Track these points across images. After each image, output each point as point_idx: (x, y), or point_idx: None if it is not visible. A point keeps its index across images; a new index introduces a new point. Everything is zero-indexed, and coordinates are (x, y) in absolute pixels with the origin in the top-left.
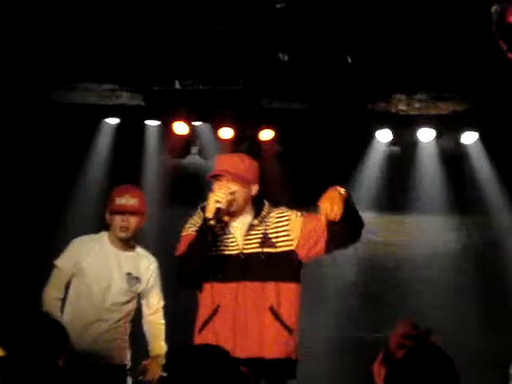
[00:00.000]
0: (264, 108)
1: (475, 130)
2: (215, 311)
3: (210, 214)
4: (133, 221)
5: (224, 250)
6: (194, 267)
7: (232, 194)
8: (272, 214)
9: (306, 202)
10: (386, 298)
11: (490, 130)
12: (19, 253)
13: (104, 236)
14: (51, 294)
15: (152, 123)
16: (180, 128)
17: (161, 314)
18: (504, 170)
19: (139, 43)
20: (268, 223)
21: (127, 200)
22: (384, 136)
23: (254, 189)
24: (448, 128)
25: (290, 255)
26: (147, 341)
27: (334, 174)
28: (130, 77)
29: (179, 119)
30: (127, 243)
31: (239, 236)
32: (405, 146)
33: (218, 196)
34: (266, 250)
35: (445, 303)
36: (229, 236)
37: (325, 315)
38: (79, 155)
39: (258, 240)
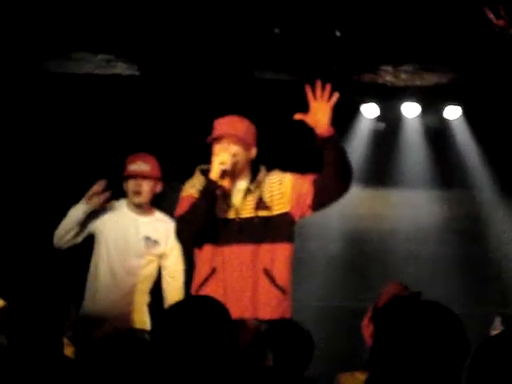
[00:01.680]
0: (256, 79)
1: (459, 103)
2: (211, 274)
3: (215, 175)
4: (145, 185)
5: (222, 214)
6: (195, 229)
7: (235, 155)
8: (267, 179)
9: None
10: (370, 270)
11: (473, 103)
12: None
13: (123, 202)
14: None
15: None
16: None
17: (180, 277)
18: (487, 145)
19: (135, 12)
20: (263, 187)
21: (139, 166)
22: (370, 111)
23: (253, 152)
24: (433, 101)
25: (284, 217)
26: (164, 302)
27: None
28: (125, 47)
29: None
30: (145, 208)
31: (236, 201)
32: (390, 120)
33: (223, 157)
34: (260, 213)
35: (428, 275)
36: (226, 200)
37: (310, 286)
38: (75, 124)
39: (254, 204)
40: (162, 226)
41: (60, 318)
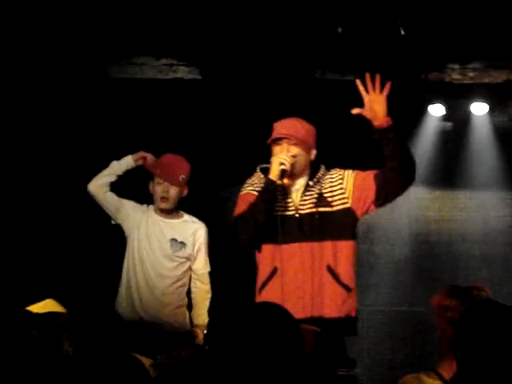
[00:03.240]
0: (317, 79)
1: None
2: (273, 272)
3: (274, 176)
4: (173, 191)
5: (281, 212)
6: (253, 229)
7: (294, 157)
8: (327, 175)
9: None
10: (439, 274)
11: None
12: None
13: (150, 208)
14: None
15: None
16: None
17: (206, 279)
18: None
19: (197, 17)
20: (323, 183)
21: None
22: (437, 110)
23: (313, 153)
24: (501, 99)
25: (346, 213)
26: (192, 306)
27: None
28: (187, 51)
29: None
30: (172, 212)
31: (295, 197)
32: (458, 120)
33: (283, 158)
34: (321, 209)
35: (499, 278)
36: (285, 197)
37: (378, 290)
38: (137, 130)
39: (314, 200)
40: (189, 228)
41: (123, 325)
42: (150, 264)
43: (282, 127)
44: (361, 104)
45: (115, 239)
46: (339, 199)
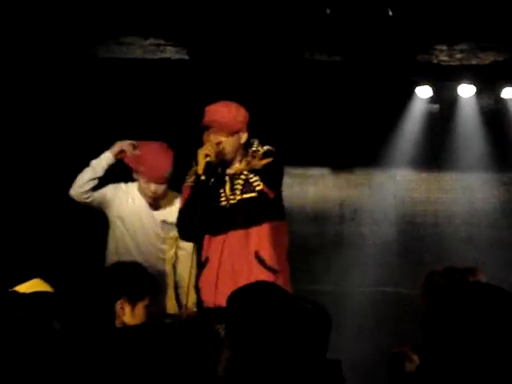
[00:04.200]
0: (306, 60)
1: None
2: (205, 262)
3: (200, 170)
4: (160, 189)
5: (216, 203)
6: (191, 221)
7: (218, 144)
8: (256, 153)
9: (344, 157)
10: (425, 255)
11: None
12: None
13: (134, 187)
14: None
15: None
16: None
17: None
18: None
19: None
20: (251, 166)
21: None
22: (424, 92)
23: (244, 137)
24: (488, 81)
25: (263, 194)
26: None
27: (372, 129)
28: (175, 31)
29: None
30: None
31: (227, 187)
32: (445, 102)
33: (206, 150)
34: (246, 195)
35: (484, 259)
36: (220, 188)
37: (364, 271)
38: (124, 109)
39: (241, 187)
40: (176, 208)
41: (111, 301)
42: (141, 246)
43: (207, 114)
44: (347, 85)
45: (99, 217)
46: (256, 180)
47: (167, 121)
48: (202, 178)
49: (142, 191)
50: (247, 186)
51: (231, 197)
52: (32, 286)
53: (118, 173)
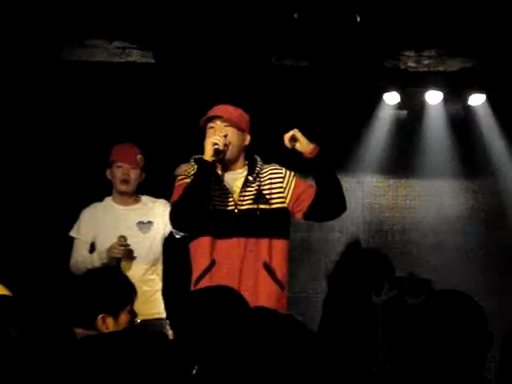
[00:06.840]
0: (273, 65)
1: (483, 90)
2: (211, 265)
3: (208, 156)
4: (133, 174)
5: (220, 206)
6: (191, 209)
7: (226, 136)
8: (265, 170)
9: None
10: (394, 262)
11: (498, 89)
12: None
13: (108, 200)
14: (78, 259)
15: None
16: None
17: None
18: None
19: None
20: (262, 179)
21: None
22: (392, 98)
23: (247, 139)
24: (456, 87)
25: (282, 212)
26: None
27: (340, 135)
28: (140, 34)
29: None
30: (131, 198)
31: (235, 192)
32: (412, 109)
33: (216, 139)
34: (260, 206)
35: (452, 266)
36: (225, 191)
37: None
38: (93, 113)
39: (253, 196)
40: (151, 208)
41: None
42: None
43: (214, 110)
44: (315, 90)
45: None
46: (277, 197)
47: (133, 124)
48: (211, 160)
49: (114, 178)
50: (261, 197)
51: (240, 203)
52: None
53: None
